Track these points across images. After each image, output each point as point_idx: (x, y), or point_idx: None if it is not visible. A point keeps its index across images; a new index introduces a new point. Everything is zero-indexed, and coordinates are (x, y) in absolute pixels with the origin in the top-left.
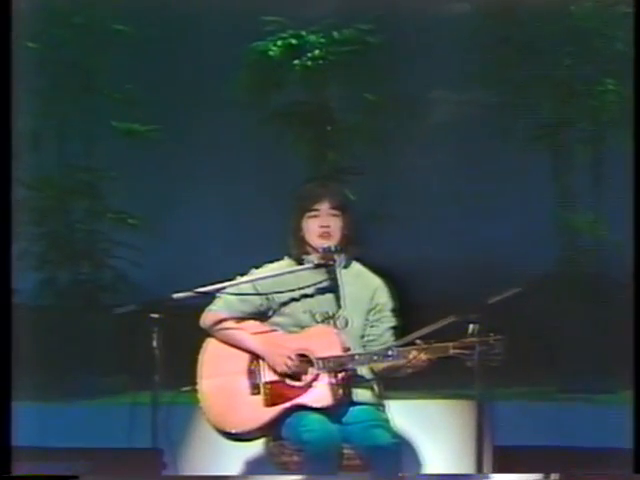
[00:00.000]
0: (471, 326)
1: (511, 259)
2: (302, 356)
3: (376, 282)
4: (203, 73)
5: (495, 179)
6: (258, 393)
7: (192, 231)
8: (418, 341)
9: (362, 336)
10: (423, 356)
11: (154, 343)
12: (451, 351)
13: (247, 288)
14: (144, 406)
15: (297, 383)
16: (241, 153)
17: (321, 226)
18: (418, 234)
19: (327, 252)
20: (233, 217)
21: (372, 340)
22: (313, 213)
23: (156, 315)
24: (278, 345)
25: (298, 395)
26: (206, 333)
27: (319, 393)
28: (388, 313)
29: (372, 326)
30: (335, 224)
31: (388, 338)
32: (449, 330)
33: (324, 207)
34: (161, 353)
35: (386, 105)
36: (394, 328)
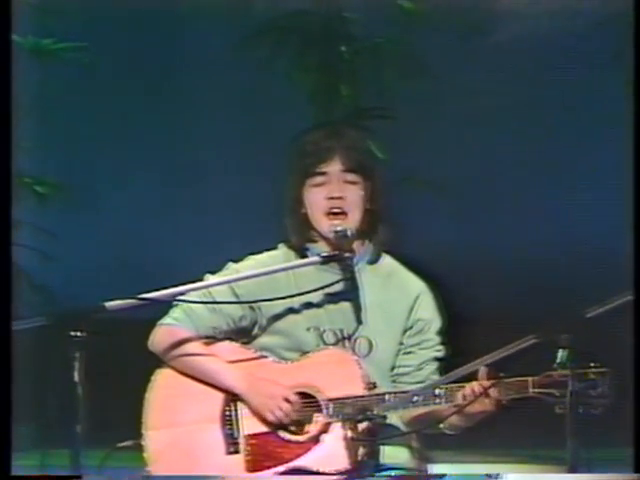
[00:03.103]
0: (560, 352)
1: (617, 253)
2: (304, 396)
3: (417, 287)
4: None
5: (591, 132)
6: (237, 452)
7: (136, 206)
8: (481, 374)
9: (392, 367)
10: (488, 398)
11: (75, 376)
12: (531, 390)
13: (221, 292)
14: (60, 469)
15: (296, 437)
16: (212, 87)
17: (330, 197)
18: (481, 213)
19: (342, 238)
20: (199, 185)
21: (406, 374)
22: (318, 179)
23: (79, 333)
24: (267, 379)
25: (297, 455)
26: (156, 360)
27: (329, 452)
28: (433, 335)
29: (408, 353)
30: (352, 195)
31: (431, 373)
32: (527, 358)
33: (334, 168)
34: (86, 390)
35: (430, 16)
36: (440, 359)
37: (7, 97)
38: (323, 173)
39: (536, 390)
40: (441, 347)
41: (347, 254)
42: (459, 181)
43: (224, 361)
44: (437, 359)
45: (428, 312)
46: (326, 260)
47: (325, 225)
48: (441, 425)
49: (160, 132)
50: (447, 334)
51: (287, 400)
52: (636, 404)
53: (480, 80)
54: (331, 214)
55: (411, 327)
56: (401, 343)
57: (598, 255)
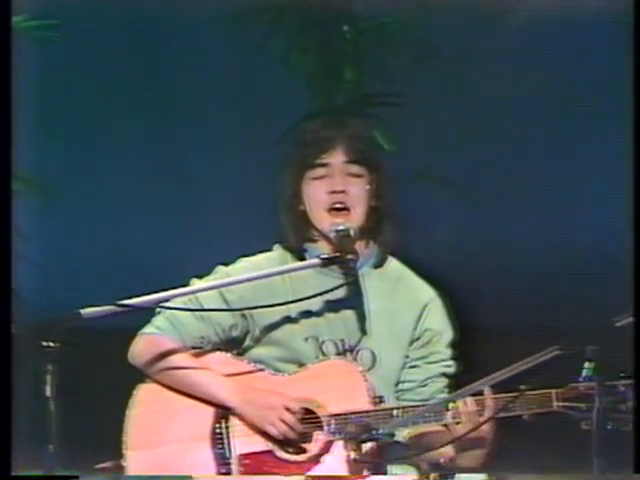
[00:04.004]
0: (586, 364)
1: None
2: (303, 411)
3: (426, 294)
4: None
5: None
6: (228, 473)
7: (115, 204)
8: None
9: (397, 382)
10: (507, 413)
11: (47, 390)
12: (555, 404)
13: (209, 299)
14: None
15: (294, 457)
16: (201, 73)
17: (332, 191)
18: (500, 213)
19: (344, 238)
20: (185, 180)
21: (409, 390)
22: (319, 171)
23: (51, 344)
24: (262, 393)
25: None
26: (138, 373)
27: (331, 472)
28: (442, 348)
29: (413, 366)
30: (355, 189)
31: (437, 390)
32: (550, 370)
33: (336, 160)
34: (59, 407)
35: None
36: (449, 376)
37: (7, 98)
38: (324, 165)
39: (560, 404)
40: (451, 362)
41: (350, 256)
42: (475, 177)
43: (214, 373)
44: (445, 375)
45: (437, 322)
46: (326, 263)
47: (326, 223)
48: (441, 460)
49: (142, 123)
50: (458, 347)
51: (289, 410)
52: (636, 403)
53: (496, 66)
54: (333, 210)
55: (418, 338)
56: (407, 356)
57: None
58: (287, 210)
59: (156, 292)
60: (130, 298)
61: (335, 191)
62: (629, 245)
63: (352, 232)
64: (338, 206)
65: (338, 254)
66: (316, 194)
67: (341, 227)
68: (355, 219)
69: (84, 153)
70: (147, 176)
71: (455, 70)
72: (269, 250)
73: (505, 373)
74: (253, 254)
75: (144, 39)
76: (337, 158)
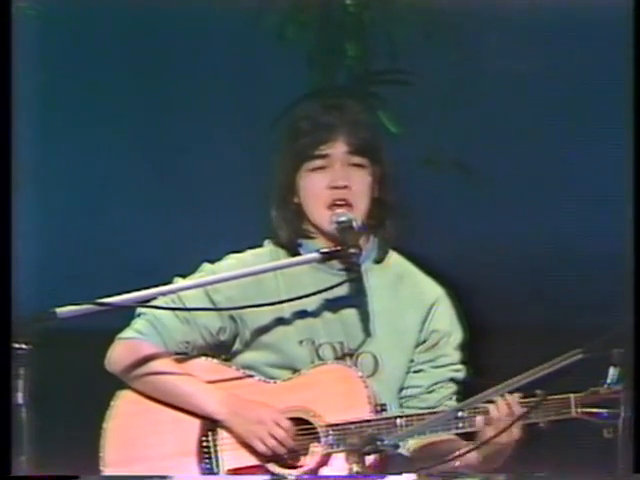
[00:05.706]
0: (611, 370)
1: None
2: (298, 422)
3: (433, 292)
4: None
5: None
6: None
7: (92, 197)
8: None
9: (401, 389)
10: (523, 420)
11: (18, 397)
12: (574, 410)
13: (195, 299)
14: None
15: (289, 471)
16: (188, 51)
17: (333, 187)
18: (516, 204)
19: (346, 231)
20: (167, 170)
21: (413, 397)
22: (317, 162)
23: (23, 346)
24: (250, 405)
25: None
26: (116, 381)
27: None
28: (451, 351)
29: (418, 371)
30: (358, 182)
31: (444, 397)
32: (570, 375)
33: (337, 150)
34: (31, 416)
35: None
36: (458, 381)
37: (7, 98)
38: (324, 156)
39: (582, 410)
40: (460, 367)
41: (352, 250)
42: (489, 163)
43: (200, 381)
44: (453, 380)
45: (445, 323)
46: (326, 257)
47: (325, 219)
48: (457, 463)
49: (120, 110)
50: (468, 350)
51: (279, 425)
52: (635, 401)
53: (514, 41)
54: (334, 206)
55: (425, 341)
56: (412, 360)
57: None
58: (280, 204)
59: (140, 289)
60: (110, 295)
61: (337, 187)
62: None
63: (354, 224)
64: (339, 202)
65: (339, 248)
66: (314, 189)
67: (343, 218)
68: (358, 215)
69: (57, 147)
70: (128, 170)
71: (469, 46)
72: (259, 246)
73: (523, 379)
74: (242, 251)
75: (132, 19)
76: (338, 148)
